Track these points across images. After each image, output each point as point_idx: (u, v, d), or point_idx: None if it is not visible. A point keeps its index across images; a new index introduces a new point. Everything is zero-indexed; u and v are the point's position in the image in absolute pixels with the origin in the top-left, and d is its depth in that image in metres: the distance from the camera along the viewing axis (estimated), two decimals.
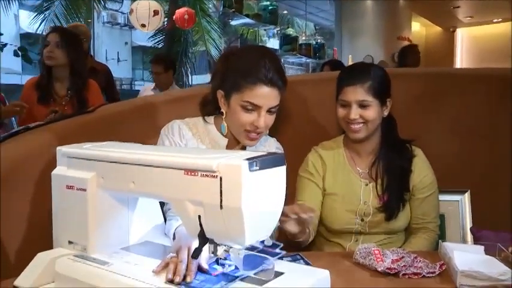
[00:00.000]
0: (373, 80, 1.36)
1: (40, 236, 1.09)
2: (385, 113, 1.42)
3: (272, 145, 1.43)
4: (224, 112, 1.29)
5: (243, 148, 1.34)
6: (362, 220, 1.42)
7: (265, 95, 1.21)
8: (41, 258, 0.93)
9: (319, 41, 6.59)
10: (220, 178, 0.77)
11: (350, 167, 1.47)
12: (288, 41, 6.38)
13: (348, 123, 1.39)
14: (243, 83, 1.20)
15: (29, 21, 8.13)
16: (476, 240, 1.42)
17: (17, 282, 0.90)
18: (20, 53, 5.05)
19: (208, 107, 1.37)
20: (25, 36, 9.75)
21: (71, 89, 2.32)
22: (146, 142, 1.14)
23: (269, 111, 1.24)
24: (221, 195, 0.76)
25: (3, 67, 6.31)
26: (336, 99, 1.43)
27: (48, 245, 1.03)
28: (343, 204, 1.43)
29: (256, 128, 1.23)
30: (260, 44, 10.68)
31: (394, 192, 1.41)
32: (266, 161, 0.79)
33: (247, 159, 0.76)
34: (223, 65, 1.29)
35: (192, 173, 0.80)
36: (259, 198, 0.78)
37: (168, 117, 1.63)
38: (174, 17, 4.98)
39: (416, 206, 1.45)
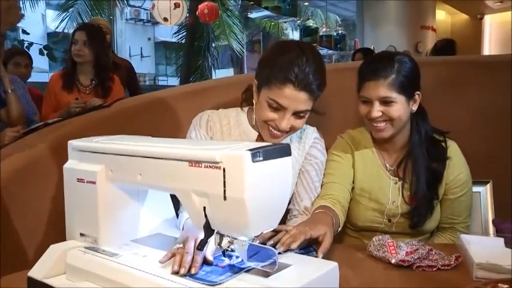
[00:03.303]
0: (397, 73, 1.23)
1: (56, 229, 1.11)
2: (414, 108, 1.29)
3: (310, 135, 1.34)
4: (254, 103, 1.24)
5: None
6: (389, 221, 1.34)
7: (293, 97, 1.13)
8: (54, 250, 0.94)
9: (340, 32, 6.46)
10: (224, 169, 0.76)
11: (379, 162, 1.37)
12: (308, 33, 6.28)
13: (371, 121, 1.28)
14: (273, 79, 1.13)
15: (52, 20, 8.36)
16: (499, 232, 1.37)
17: (30, 273, 0.92)
18: (45, 51, 5.18)
19: (248, 95, 1.33)
20: (52, 35, 9.98)
21: (94, 79, 2.46)
22: (163, 135, 1.14)
23: (297, 114, 1.17)
24: (224, 186, 0.76)
25: None
26: (358, 94, 1.31)
27: (64, 238, 1.05)
28: (370, 201, 1.35)
29: (278, 128, 1.17)
30: (282, 36, 10.63)
31: (423, 199, 1.30)
32: (270, 152, 0.78)
33: (251, 149, 0.75)
34: (265, 55, 1.24)
35: (197, 165, 0.80)
36: (263, 189, 0.77)
37: (184, 110, 1.64)
38: (197, 11, 5.00)
39: (447, 206, 1.35)
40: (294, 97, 1.13)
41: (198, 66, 7.47)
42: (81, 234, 0.99)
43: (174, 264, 0.82)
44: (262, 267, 0.81)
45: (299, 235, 0.97)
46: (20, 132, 1.72)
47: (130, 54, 10.69)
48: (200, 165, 0.79)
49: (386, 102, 1.25)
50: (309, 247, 1.11)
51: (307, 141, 1.33)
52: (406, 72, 1.25)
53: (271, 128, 1.19)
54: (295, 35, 10.34)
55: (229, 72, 10.81)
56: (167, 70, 12.39)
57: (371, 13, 6.79)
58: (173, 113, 1.68)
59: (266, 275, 0.80)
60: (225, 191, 0.76)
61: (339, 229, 1.22)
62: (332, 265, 0.86)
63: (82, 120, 1.62)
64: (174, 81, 9.40)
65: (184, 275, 0.80)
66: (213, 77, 7.64)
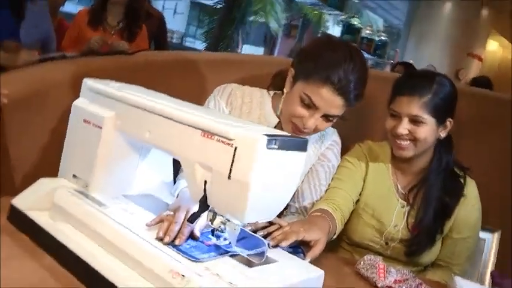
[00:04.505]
0: (434, 95, 1.18)
1: (50, 164, 1.08)
2: (442, 135, 1.24)
3: (329, 137, 1.30)
4: (285, 92, 1.19)
5: None
6: (386, 244, 1.29)
7: (328, 100, 1.07)
8: (42, 184, 0.92)
9: (382, 38, 6.24)
10: (235, 148, 0.72)
11: (392, 182, 1.32)
12: (350, 31, 6.07)
13: (395, 137, 1.23)
14: (314, 75, 1.07)
15: None
16: (495, 286, 1.30)
17: (14, 201, 0.90)
18: None
19: (278, 79, 1.27)
20: None
21: (122, 21, 2.38)
22: (181, 98, 1.09)
23: (326, 117, 1.12)
24: (232, 166, 0.72)
25: None
26: (388, 107, 1.26)
27: (56, 174, 1.02)
28: (371, 218, 1.30)
29: (303, 125, 1.12)
30: (322, 28, 10.44)
31: (426, 230, 1.24)
32: (287, 142, 0.74)
33: (268, 135, 0.71)
34: (310, 47, 1.19)
35: (209, 136, 0.76)
36: (270, 179, 0.74)
37: (209, 78, 1.59)
38: None
39: (448, 244, 1.29)
40: (330, 100, 1.07)
41: (226, 36, 7.30)
42: (74, 176, 0.96)
43: (160, 230, 0.79)
44: (248, 255, 0.78)
45: (291, 234, 0.93)
46: (36, 57, 1.68)
47: (164, 6, 10.50)
48: (212, 137, 0.75)
49: (415, 121, 1.20)
50: (297, 247, 1.06)
51: (325, 141, 1.29)
52: (443, 95, 1.20)
53: (296, 123, 1.13)
54: (335, 30, 10.14)
55: (258, 50, 10.63)
56: (197, 32, 12.21)
57: (419, 27, 6.57)
58: (197, 77, 1.63)
59: (250, 264, 0.77)
60: (231, 170, 0.72)
61: (334, 237, 1.17)
62: (318, 273, 0.82)
63: (102, 62, 1.57)
64: (201, 45, 9.24)
65: (167, 244, 0.77)
66: (240, 51, 7.46)
